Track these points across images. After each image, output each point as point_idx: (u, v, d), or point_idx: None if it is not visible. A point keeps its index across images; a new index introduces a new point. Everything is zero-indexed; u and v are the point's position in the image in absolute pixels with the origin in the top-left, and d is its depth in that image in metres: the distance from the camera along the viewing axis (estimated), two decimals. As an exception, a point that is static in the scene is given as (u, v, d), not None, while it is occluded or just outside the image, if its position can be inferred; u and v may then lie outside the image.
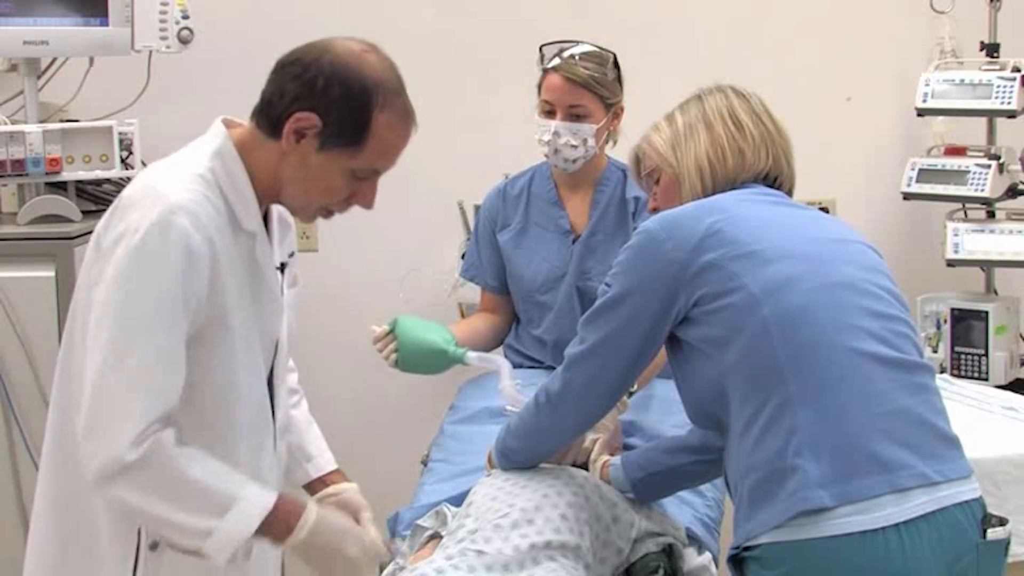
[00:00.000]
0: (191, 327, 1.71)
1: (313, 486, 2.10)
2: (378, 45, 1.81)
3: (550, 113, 2.66)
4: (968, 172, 3.20)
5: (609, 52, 2.68)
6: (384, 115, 1.76)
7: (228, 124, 1.84)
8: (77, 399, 1.73)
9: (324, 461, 2.12)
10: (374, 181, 1.83)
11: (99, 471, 1.67)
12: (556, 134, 2.65)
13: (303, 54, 1.77)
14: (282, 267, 1.93)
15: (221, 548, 1.70)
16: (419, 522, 2.21)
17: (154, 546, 1.79)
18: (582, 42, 2.67)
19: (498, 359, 2.42)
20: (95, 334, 1.69)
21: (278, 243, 1.92)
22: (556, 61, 2.65)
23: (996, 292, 3.33)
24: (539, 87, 2.69)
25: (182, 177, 1.75)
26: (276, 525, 1.74)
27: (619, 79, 2.69)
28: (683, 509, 2.25)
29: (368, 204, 1.85)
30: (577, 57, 2.64)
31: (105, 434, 1.66)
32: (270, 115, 1.77)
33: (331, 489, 2.08)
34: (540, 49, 2.70)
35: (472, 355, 2.38)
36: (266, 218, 1.89)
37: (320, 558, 1.79)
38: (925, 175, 3.27)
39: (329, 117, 1.73)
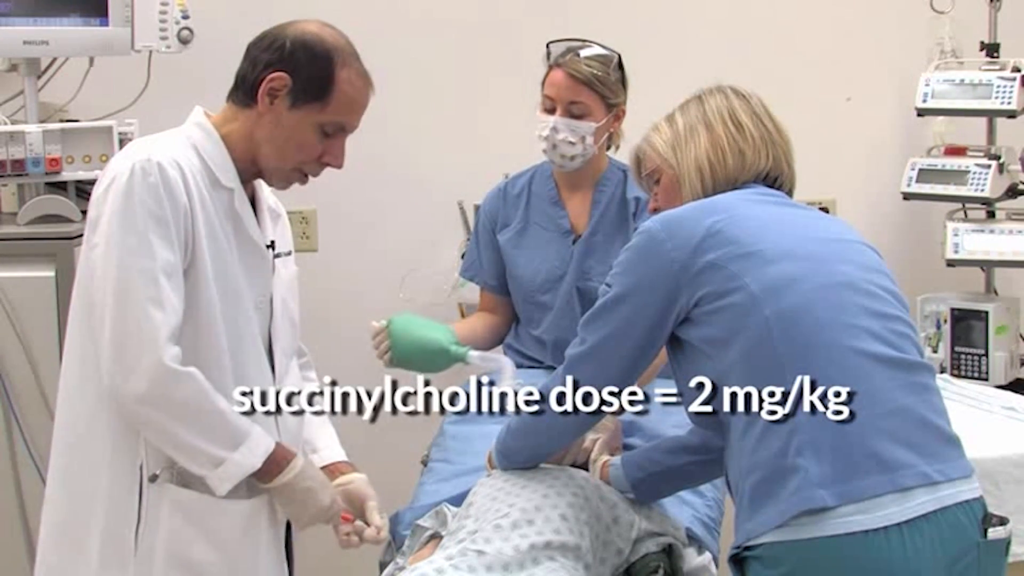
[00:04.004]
0: (185, 252, 1.90)
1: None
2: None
3: (551, 109, 2.66)
4: (968, 172, 3.20)
5: (614, 53, 2.68)
6: (345, 72, 1.97)
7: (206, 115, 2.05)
8: (87, 357, 1.92)
9: (331, 452, 2.20)
10: (342, 140, 2.02)
11: (139, 379, 1.84)
12: (554, 130, 2.65)
13: (269, 32, 2.01)
14: (273, 247, 2.07)
15: (226, 479, 1.91)
16: (419, 522, 2.21)
17: (153, 478, 1.94)
18: (591, 44, 2.67)
19: (501, 358, 2.40)
20: (103, 269, 1.87)
21: (270, 227, 2.09)
22: (560, 58, 2.65)
23: (996, 292, 3.33)
24: (543, 83, 2.69)
25: (161, 138, 1.98)
26: (270, 466, 1.94)
27: (623, 80, 2.70)
28: (683, 509, 2.25)
29: (339, 162, 2.02)
30: (582, 55, 2.64)
31: (137, 345, 1.84)
32: (244, 86, 1.99)
33: (340, 479, 2.15)
34: (547, 46, 2.71)
35: (474, 354, 2.36)
36: (254, 202, 2.06)
37: (296, 501, 1.99)
38: (925, 175, 3.27)
39: (298, 75, 1.95)
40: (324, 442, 2.22)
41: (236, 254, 1.98)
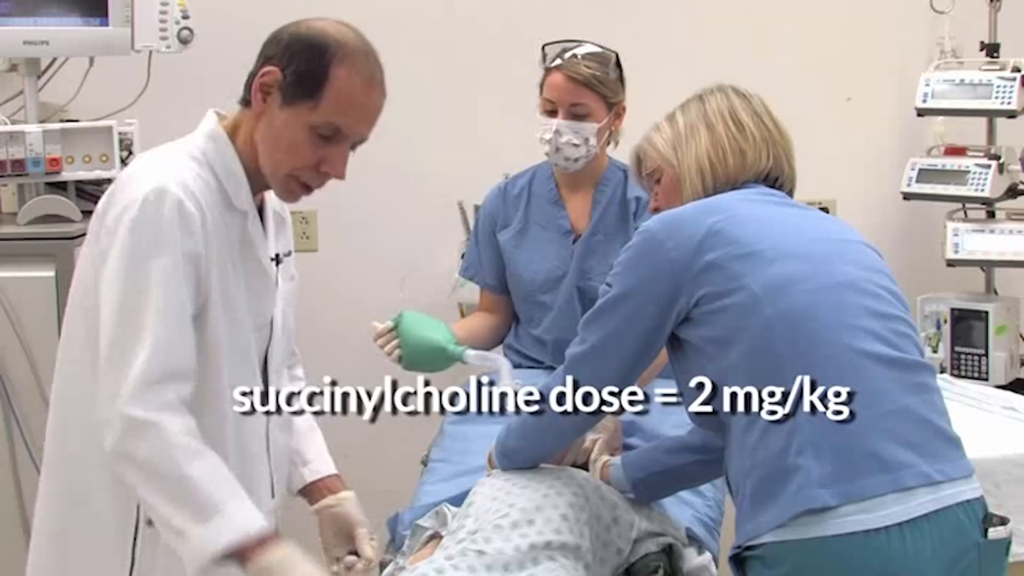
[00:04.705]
0: (198, 294, 1.76)
1: (310, 491, 2.10)
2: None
3: (552, 112, 2.66)
4: (968, 172, 3.20)
5: (611, 52, 2.68)
6: (343, 68, 1.78)
7: (219, 116, 1.90)
8: (80, 381, 1.79)
9: (321, 465, 2.11)
10: (343, 147, 1.83)
11: (109, 431, 1.68)
12: (558, 133, 2.64)
13: (281, 27, 1.84)
14: (277, 259, 1.95)
15: (190, 555, 1.66)
16: (419, 522, 2.21)
17: (151, 522, 1.78)
18: (585, 42, 2.67)
19: (498, 358, 2.42)
20: (105, 303, 1.73)
21: (273, 237, 1.95)
22: (558, 60, 2.65)
23: (996, 292, 3.33)
24: (541, 86, 2.69)
25: (175, 157, 1.82)
26: (245, 551, 1.66)
27: (621, 79, 2.69)
28: (683, 509, 2.25)
29: (337, 172, 1.84)
30: (579, 56, 2.64)
31: (110, 389, 1.69)
32: (247, 85, 1.83)
33: (329, 500, 2.08)
34: (543, 48, 2.70)
35: (471, 353, 2.38)
36: (262, 212, 1.94)
37: None
38: (925, 175, 3.27)
39: (289, 69, 1.78)
40: (313, 453, 2.12)
41: (242, 278, 1.87)
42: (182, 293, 1.74)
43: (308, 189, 1.86)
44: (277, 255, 1.97)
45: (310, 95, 1.78)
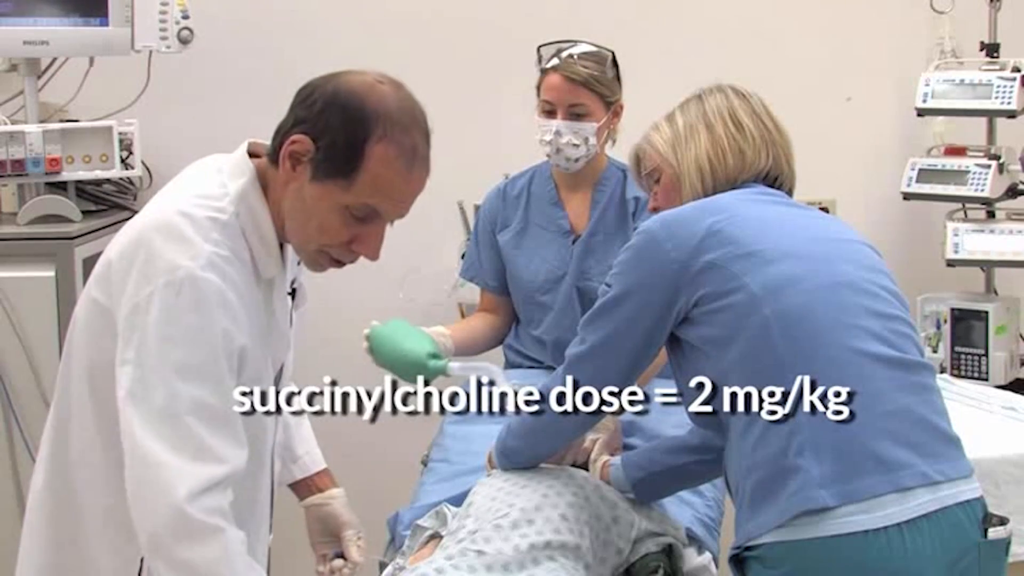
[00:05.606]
0: (239, 379, 1.66)
1: (297, 488, 2.08)
2: (403, 83, 1.72)
3: (550, 113, 2.66)
4: (968, 172, 3.20)
5: (607, 50, 2.68)
6: (381, 147, 1.63)
7: (253, 149, 1.74)
8: (78, 414, 1.73)
9: (310, 461, 2.08)
10: (378, 226, 1.70)
11: (154, 532, 1.57)
12: (558, 133, 2.65)
13: (317, 81, 1.68)
14: (292, 293, 1.87)
15: None
16: (419, 522, 2.21)
17: None
18: (580, 42, 2.67)
19: (488, 367, 2.26)
20: (137, 395, 1.59)
21: (291, 263, 1.83)
22: (555, 61, 2.65)
23: (996, 292, 3.33)
24: (538, 87, 2.69)
25: (208, 226, 1.65)
26: None
27: (618, 77, 2.70)
28: (683, 509, 2.25)
29: (370, 253, 1.72)
30: (576, 56, 2.64)
31: (159, 493, 1.57)
32: (275, 142, 1.68)
33: (317, 499, 2.06)
34: (538, 50, 2.70)
35: (455, 366, 2.24)
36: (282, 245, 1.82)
37: None
38: (925, 175, 3.27)
39: (322, 142, 1.62)
40: (302, 448, 2.07)
41: (265, 348, 1.75)
42: (226, 385, 1.63)
43: (339, 264, 1.74)
44: (293, 283, 1.86)
45: (344, 174, 1.63)
